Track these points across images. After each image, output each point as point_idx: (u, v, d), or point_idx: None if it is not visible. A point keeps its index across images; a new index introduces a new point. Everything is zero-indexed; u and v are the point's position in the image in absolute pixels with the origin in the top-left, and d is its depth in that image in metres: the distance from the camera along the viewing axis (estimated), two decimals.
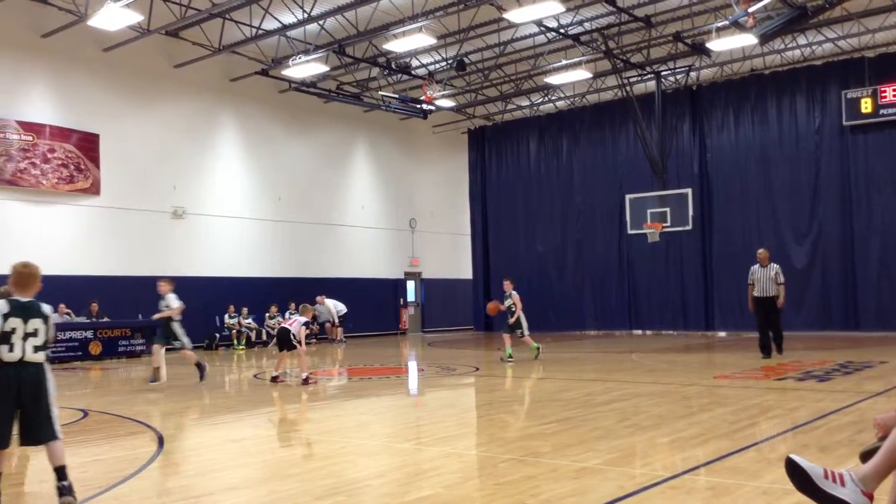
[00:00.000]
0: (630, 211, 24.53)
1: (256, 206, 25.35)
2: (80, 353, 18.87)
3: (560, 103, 29.11)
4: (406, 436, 7.89)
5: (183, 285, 22.64)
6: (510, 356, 15.49)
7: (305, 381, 12.06)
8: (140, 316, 20.64)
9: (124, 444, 7.56)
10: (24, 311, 4.93)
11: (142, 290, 21.39)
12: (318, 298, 24.09)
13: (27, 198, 19.88)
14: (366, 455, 6.80)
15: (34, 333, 4.92)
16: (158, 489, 5.62)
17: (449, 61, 23.78)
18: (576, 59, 22.98)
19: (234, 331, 23.37)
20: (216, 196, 24.21)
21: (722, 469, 5.69)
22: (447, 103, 27.21)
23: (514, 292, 15.93)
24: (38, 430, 4.93)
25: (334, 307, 24.88)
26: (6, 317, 4.85)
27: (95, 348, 19.23)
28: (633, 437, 7.01)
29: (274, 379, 12.42)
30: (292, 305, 23.63)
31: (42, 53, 20.13)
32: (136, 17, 18.29)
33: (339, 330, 25.02)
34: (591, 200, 28.10)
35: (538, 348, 15.97)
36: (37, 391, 4.91)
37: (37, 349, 4.93)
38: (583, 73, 23.55)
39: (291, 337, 12.31)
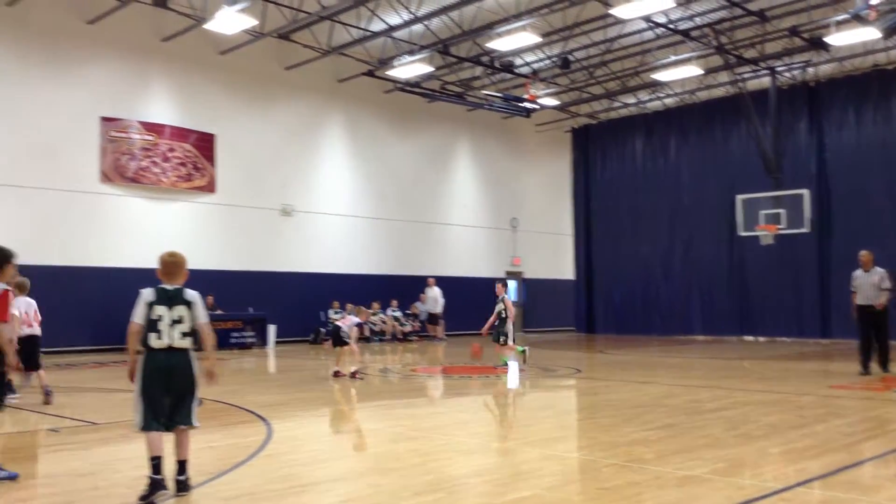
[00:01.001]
0: (742, 212, 23.63)
1: (361, 204, 25.85)
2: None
3: (668, 100, 28.37)
4: (505, 436, 7.87)
5: (289, 281, 23.53)
6: (505, 363, 14.87)
7: (353, 375, 12.58)
8: (251, 309, 21.44)
9: (236, 432, 7.85)
10: (170, 299, 5.10)
11: (252, 284, 22.25)
12: (430, 280, 24.37)
13: (148, 194, 20.94)
14: (464, 453, 6.82)
15: (180, 320, 5.07)
16: (267, 477, 5.80)
17: (553, 59, 23.56)
18: (686, 55, 22.34)
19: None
20: (323, 194, 24.84)
21: (837, 483, 5.42)
22: (551, 102, 26.98)
23: (505, 296, 15.03)
24: (178, 415, 5.06)
25: (441, 297, 25.17)
26: (151, 305, 5.03)
27: None
28: (742, 447, 6.75)
29: (336, 374, 12.88)
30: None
31: (163, 57, 21.16)
32: (250, 22, 18.98)
33: (440, 328, 25.21)
34: (699, 201, 27.26)
35: (524, 351, 15.23)
36: (185, 377, 5.06)
37: (184, 335, 5.08)
38: (693, 70, 22.86)
39: (342, 334, 12.81)
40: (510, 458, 6.59)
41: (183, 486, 5.03)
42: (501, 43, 20.54)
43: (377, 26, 20.98)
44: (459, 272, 28.39)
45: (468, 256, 29.09)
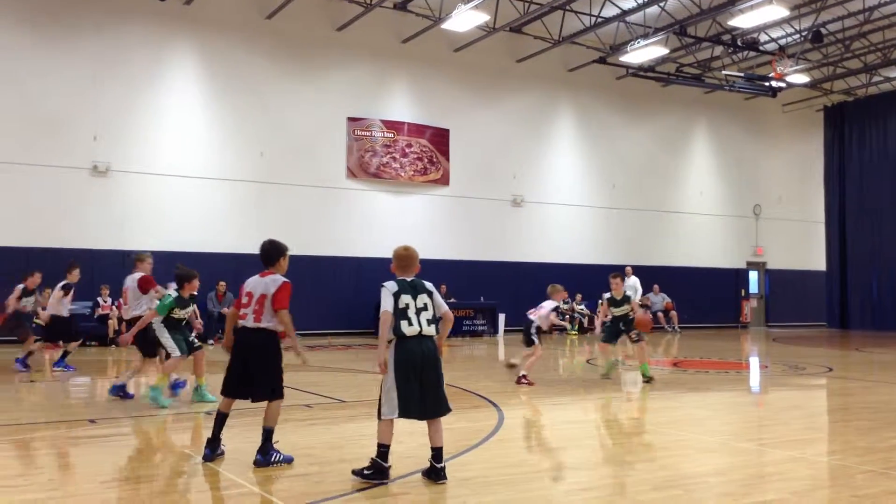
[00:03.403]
0: None
1: (590, 193, 25.58)
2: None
3: None
4: (746, 435, 7.43)
5: (518, 271, 23.84)
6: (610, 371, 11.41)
7: (520, 380, 10.48)
8: (482, 298, 22.02)
9: (469, 416, 8.10)
10: (413, 289, 5.29)
11: (483, 273, 22.84)
12: (627, 269, 22.80)
13: (388, 188, 22.20)
14: (702, 451, 6.53)
15: (424, 308, 5.27)
16: (499, 461, 5.93)
17: (803, 33, 21.79)
18: None
19: (567, 316, 23.84)
20: (552, 184, 24.89)
21: None
22: (800, 79, 25.00)
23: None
24: (436, 404, 5.20)
25: (639, 286, 22.13)
26: (397, 295, 5.23)
27: None
28: None
29: (519, 379, 10.63)
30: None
31: (402, 58, 22.29)
32: (483, 17, 19.48)
33: (675, 315, 24.30)
34: None
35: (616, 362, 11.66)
36: (435, 363, 5.23)
37: (430, 322, 5.27)
38: None
39: (531, 332, 10.77)
40: (753, 459, 6.21)
41: (440, 475, 5.12)
42: (745, 19, 19.38)
43: (609, 12, 20.62)
44: (694, 262, 27.21)
45: (704, 246, 27.79)
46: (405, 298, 5.18)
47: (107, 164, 18.58)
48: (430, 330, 5.21)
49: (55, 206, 17.96)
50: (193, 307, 9.09)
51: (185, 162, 19.52)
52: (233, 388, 5.65)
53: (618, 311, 11.34)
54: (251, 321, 5.61)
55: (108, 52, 18.72)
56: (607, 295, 11.56)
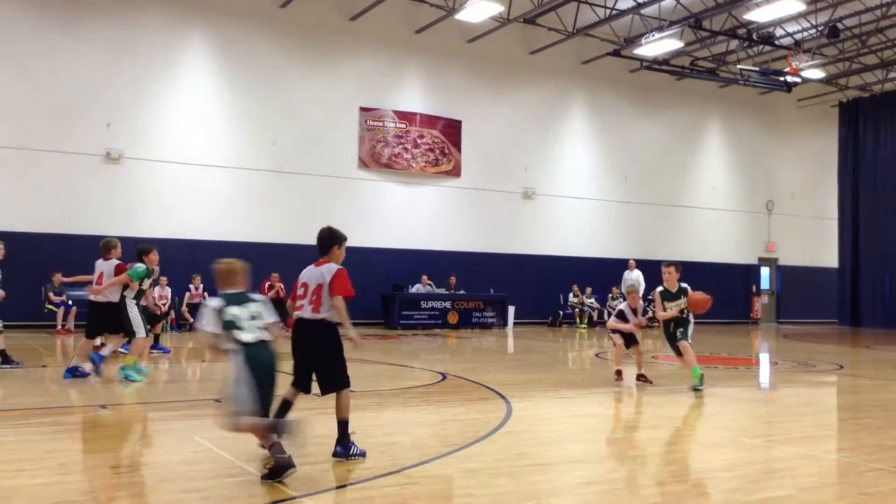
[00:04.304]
0: None
1: (602, 186, 25.52)
2: (440, 322, 20.72)
3: None
4: (755, 431, 7.41)
5: (529, 263, 23.82)
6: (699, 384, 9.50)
7: (640, 378, 10.16)
8: (491, 290, 22.03)
9: (478, 407, 8.11)
10: (238, 301, 5.05)
11: (493, 266, 22.85)
12: (630, 263, 22.51)
13: (399, 179, 22.19)
14: (710, 446, 6.52)
15: (256, 317, 5.07)
16: (507, 453, 5.94)
17: (820, 28, 21.61)
18: None
19: (577, 309, 23.84)
20: (563, 177, 24.83)
21: None
22: (816, 74, 24.82)
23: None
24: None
25: (642, 280, 21.45)
26: (220, 310, 4.93)
27: (453, 318, 20.97)
28: None
29: (640, 377, 10.21)
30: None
31: (415, 48, 22.25)
32: (497, 8, 19.42)
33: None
34: None
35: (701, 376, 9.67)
36: (277, 367, 5.07)
37: (262, 329, 5.09)
38: None
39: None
40: (761, 455, 6.19)
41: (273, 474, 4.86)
42: (760, 13, 19.26)
43: (624, 4, 20.51)
44: (705, 257, 27.10)
45: (716, 241, 27.69)
46: (232, 310, 5.00)
47: (120, 151, 18.66)
48: (267, 335, 5.07)
49: (68, 193, 18.06)
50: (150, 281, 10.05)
51: (198, 150, 19.57)
52: (303, 381, 5.53)
53: (672, 306, 9.75)
54: (309, 312, 5.46)
55: (121, 40, 18.77)
56: (660, 288, 10.05)
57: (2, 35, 17.71)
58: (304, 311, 5.49)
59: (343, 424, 5.46)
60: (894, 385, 11.21)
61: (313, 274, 5.61)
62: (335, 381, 5.50)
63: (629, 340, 10.40)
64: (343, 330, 5.49)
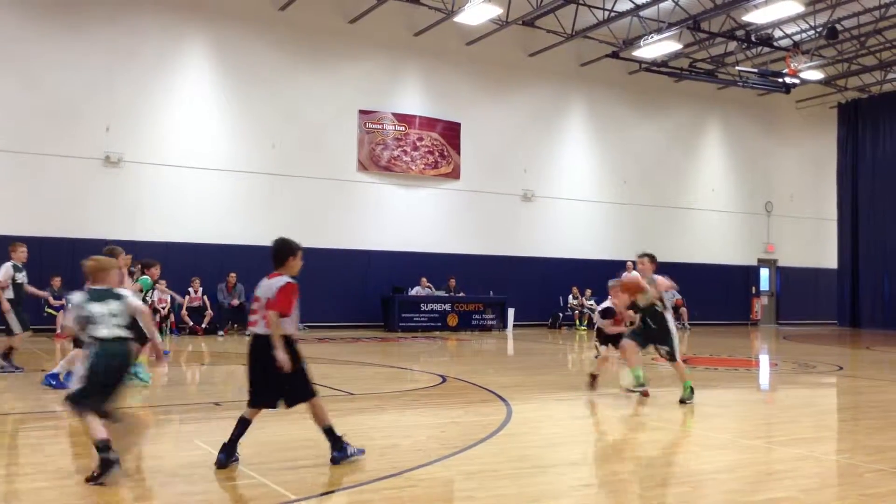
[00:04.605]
0: None
1: (601, 188, 25.52)
2: (440, 324, 20.71)
3: None
4: (755, 433, 7.41)
5: (528, 265, 23.81)
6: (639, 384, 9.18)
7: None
8: (491, 292, 22.02)
9: (477, 410, 8.11)
10: (99, 298, 5.23)
11: (493, 268, 22.83)
12: (628, 265, 22.27)
13: (399, 181, 22.19)
14: (710, 448, 6.52)
15: (115, 315, 5.23)
16: (506, 455, 5.94)
17: (818, 29, 21.63)
18: None
19: (577, 311, 23.83)
20: (562, 179, 24.83)
21: None
22: (814, 75, 24.83)
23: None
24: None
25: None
26: (80, 306, 5.15)
27: (452, 320, 20.96)
28: None
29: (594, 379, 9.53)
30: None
31: (414, 51, 22.25)
32: (495, 11, 19.43)
33: (685, 312, 24.20)
34: None
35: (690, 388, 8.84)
36: (129, 365, 5.37)
37: (120, 327, 5.19)
38: None
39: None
40: (761, 456, 6.19)
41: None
42: (759, 15, 19.28)
43: (623, 6, 20.52)
44: (705, 259, 27.10)
45: (715, 243, 27.69)
46: (91, 307, 5.10)
47: (119, 155, 18.65)
48: (125, 333, 5.16)
49: (67, 196, 18.05)
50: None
51: (197, 153, 19.56)
52: (262, 398, 5.39)
53: (645, 298, 9.08)
54: (261, 328, 5.32)
55: (121, 43, 18.77)
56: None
57: (2, 39, 17.72)
58: (258, 326, 5.35)
59: (329, 431, 5.41)
60: (894, 386, 11.21)
61: (265, 287, 5.45)
62: (300, 393, 5.39)
63: (617, 340, 10.02)
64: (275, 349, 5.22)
